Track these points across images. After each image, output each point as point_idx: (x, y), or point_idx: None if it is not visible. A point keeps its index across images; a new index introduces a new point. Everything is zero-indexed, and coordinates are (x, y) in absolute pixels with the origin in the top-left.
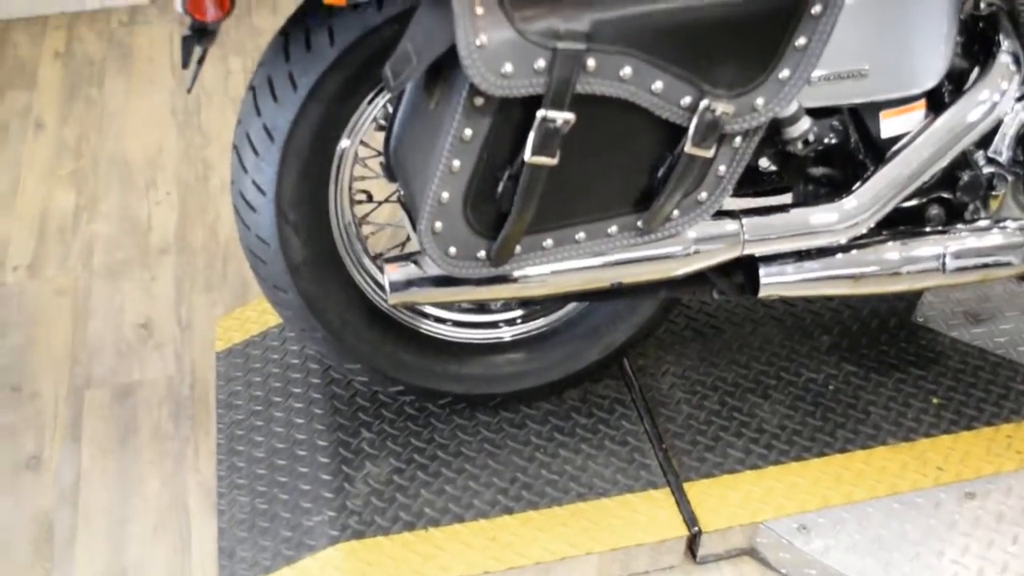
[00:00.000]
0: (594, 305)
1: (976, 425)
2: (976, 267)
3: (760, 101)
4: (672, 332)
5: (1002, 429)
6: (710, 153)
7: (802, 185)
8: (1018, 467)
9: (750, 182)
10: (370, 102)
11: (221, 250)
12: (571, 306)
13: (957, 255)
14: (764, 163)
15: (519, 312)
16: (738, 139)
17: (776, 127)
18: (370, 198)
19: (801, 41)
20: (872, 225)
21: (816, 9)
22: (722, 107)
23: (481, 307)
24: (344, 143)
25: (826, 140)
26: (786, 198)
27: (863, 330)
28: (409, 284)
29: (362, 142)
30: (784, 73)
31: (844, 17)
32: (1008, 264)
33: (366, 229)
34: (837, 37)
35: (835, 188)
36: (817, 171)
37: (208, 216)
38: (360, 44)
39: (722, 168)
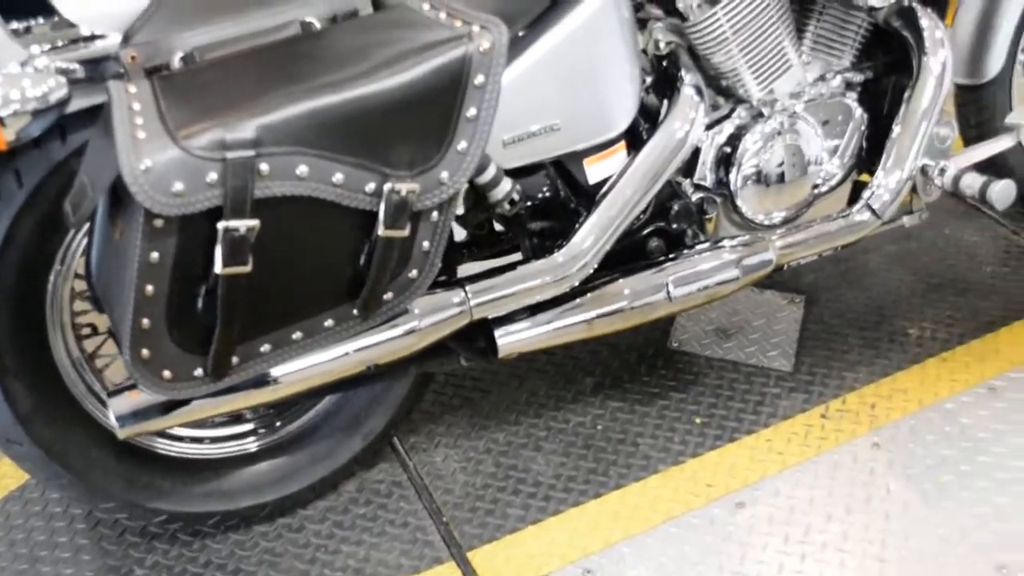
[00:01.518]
0: (349, 394)
1: (738, 436)
2: (701, 289)
3: (445, 175)
4: (441, 403)
5: (762, 435)
6: (405, 232)
7: (527, 240)
8: (781, 468)
9: (485, 245)
10: (75, 235)
11: None
12: (327, 399)
13: (679, 282)
14: (488, 226)
15: (273, 415)
16: (434, 213)
17: (482, 192)
18: (95, 331)
19: (472, 112)
20: (593, 269)
21: (479, 80)
22: (407, 187)
23: (236, 417)
24: (54, 281)
25: (537, 195)
26: None
27: (623, 365)
28: (137, 414)
29: (78, 275)
30: (462, 145)
31: (526, 78)
32: (732, 280)
33: (100, 362)
34: (523, 97)
35: (557, 239)
36: (537, 225)
37: None
38: (49, 180)
39: (426, 244)
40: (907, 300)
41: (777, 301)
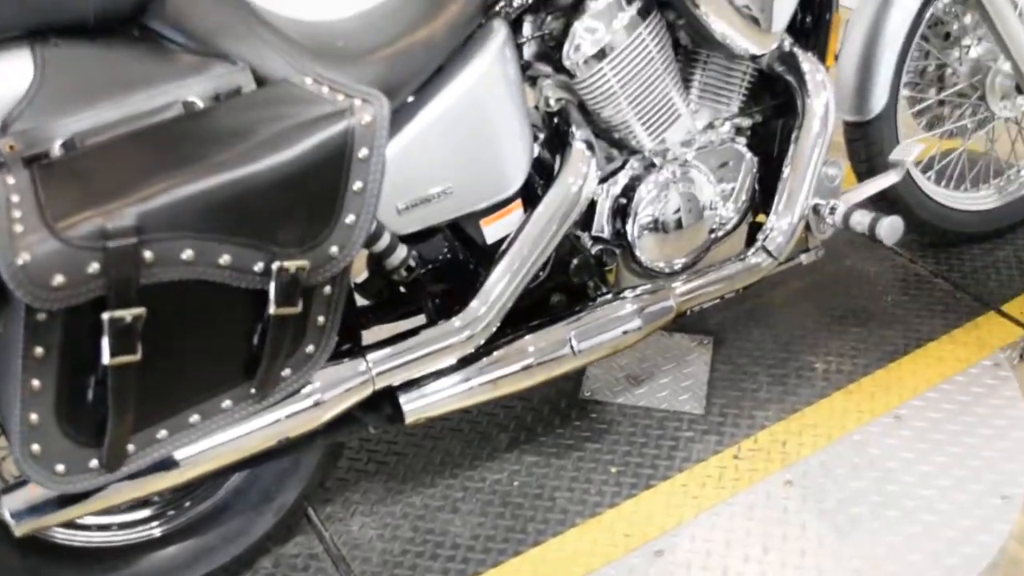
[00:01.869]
0: (259, 469)
1: (654, 482)
2: (605, 342)
3: (335, 249)
4: (355, 469)
5: (677, 480)
6: (298, 309)
7: (429, 304)
8: (697, 512)
9: (389, 309)
10: None
11: None
12: (236, 476)
13: (582, 336)
14: (388, 292)
15: (181, 496)
16: (327, 288)
17: (379, 260)
18: None
19: (358, 185)
20: (496, 328)
21: (363, 153)
22: (296, 264)
23: (144, 501)
24: None
25: (436, 259)
26: None
27: (537, 418)
28: (35, 509)
29: None
30: (350, 218)
31: (417, 144)
32: (635, 329)
33: None
34: (415, 163)
35: (459, 301)
36: (438, 288)
37: None
38: None
39: (320, 318)
40: (812, 334)
41: (686, 344)
